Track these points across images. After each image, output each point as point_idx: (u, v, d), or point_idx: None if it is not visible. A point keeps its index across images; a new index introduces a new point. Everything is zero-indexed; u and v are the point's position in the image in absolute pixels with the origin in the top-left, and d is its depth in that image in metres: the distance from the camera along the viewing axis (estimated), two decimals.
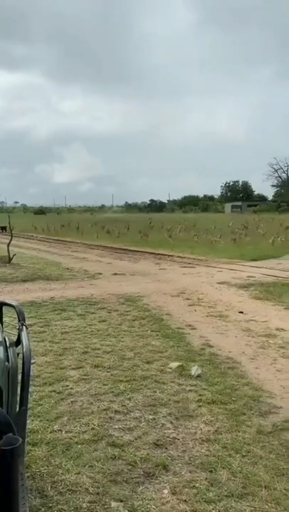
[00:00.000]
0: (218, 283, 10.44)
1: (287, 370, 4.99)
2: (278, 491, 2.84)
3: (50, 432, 3.50)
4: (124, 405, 3.99)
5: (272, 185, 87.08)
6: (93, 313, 7.46)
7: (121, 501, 2.71)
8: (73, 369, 4.85)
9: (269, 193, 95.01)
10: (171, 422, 3.71)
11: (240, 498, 2.76)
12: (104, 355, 5.30)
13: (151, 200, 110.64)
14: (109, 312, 7.53)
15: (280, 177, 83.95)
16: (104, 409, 3.90)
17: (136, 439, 3.44)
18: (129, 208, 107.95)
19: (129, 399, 4.12)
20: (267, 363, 5.18)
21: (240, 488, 2.86)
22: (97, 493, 2.77)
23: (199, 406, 4.00)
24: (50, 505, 2.66)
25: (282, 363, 5.21)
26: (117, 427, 3.61)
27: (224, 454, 3.23)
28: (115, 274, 12.00)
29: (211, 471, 3.03)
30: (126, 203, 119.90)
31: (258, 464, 3.14)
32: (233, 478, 2.96)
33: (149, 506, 2.68)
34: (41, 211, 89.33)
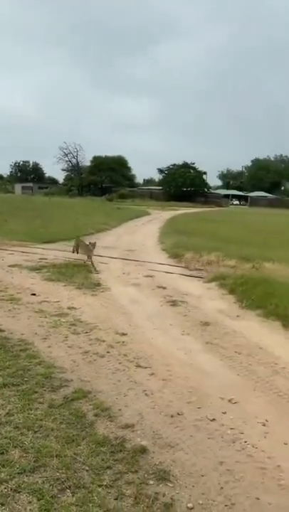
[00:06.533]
0: (10, 266, 10.16)
1: (78, 345, 5.30)
2: (68, 457, 3.04)
3: None
4: None
5: (63, 170, 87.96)
6: None
7: None
8: None
9: (60, 176, 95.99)
10: None
11: (32, 472, 2.86)
12: None
13: None
14: None
15: (70, 161, 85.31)
16: None
17: None
18: None
19: None
20: (59, 341, 5.39)
21: (32, 462, 2.95)
22: None
23: None
24: None
25: (73, 339, 5.50)
26: None
27: (16, 434, 3.26)
28: None
29: (2, 453, 3.03)
30: None
31: (49, 436, 3.28)
32: (25, 455, 3.03)
33: None
34: None
